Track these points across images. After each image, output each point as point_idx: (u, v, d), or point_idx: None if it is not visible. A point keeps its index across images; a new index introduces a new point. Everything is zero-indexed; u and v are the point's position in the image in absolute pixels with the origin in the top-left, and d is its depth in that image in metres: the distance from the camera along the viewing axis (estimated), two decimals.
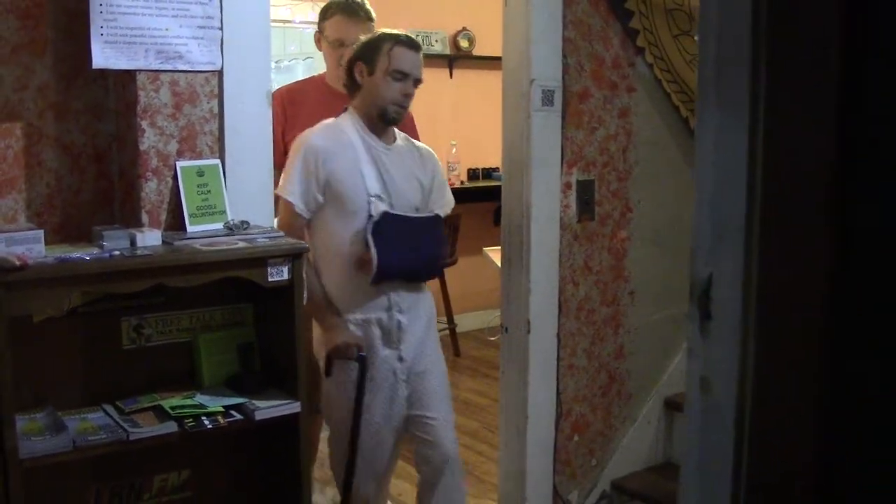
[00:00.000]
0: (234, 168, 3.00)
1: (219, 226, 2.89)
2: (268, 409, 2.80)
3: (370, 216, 3.25)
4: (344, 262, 3.30)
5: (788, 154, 0.60)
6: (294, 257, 2.79)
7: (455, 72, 7.67)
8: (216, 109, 2.98)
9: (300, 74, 7.02)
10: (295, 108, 3.94)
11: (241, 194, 2.99)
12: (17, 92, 2.79)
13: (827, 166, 0.58)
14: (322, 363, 3.29)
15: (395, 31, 3.40)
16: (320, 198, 3.28)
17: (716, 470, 0.67)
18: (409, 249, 3.35)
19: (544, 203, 3.69)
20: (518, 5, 3.63)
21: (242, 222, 2.89)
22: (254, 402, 2.82)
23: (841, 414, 0.62)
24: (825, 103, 0.58)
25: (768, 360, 0.61)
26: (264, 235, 2.85)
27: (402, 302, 3.37)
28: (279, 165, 3.53)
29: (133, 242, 2.65)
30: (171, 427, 2.67)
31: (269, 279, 2.74)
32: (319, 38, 4.07)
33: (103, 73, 2.87)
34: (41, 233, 2.55)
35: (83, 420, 2.67)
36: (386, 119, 3.36)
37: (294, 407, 2.83)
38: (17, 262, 2.36)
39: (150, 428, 2.66)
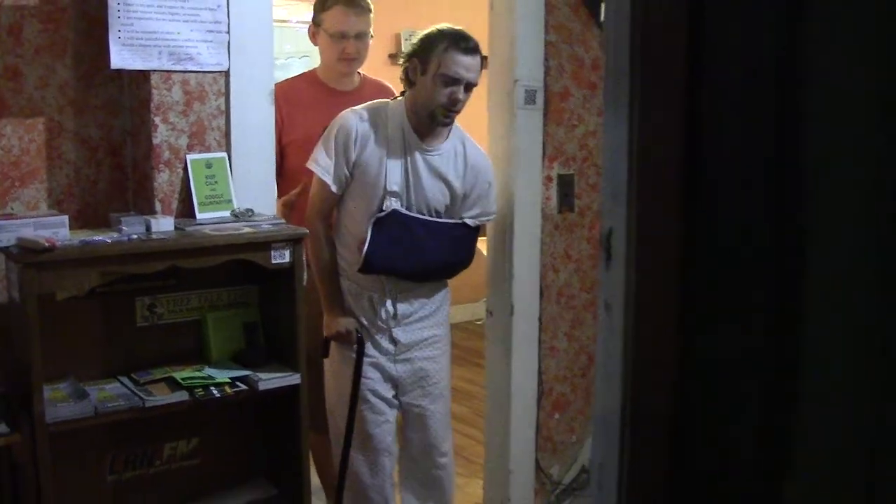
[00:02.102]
0: (240, 160, 3.23)
1: (226, 213, 3.12)
2: (270, 380, 3.06)
3: (381, 210, 3.29)
4: (352, 241, 3.37)
5: (652, 141, 0.86)
6: (295, 242, 3.04)
7: None
8: (223, 107, 3.22)
9: (296, 72, 7.24)
10: (290, 108, 3.93)
11: (246, 184, 3.23)
12: (40, 90, 3.03)
13: (678, 150, 0.84)
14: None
15: (453, 29, 3.35)
16: (350, 175, 3.32)
17: (613, 371, 0.93)
18: (410, 250, 3.36)
19: (527, 195, 3.91)
20: (503, 10, 3.87)
21: (247, 210, 3.13)
22: (258, 374, 3.07)
23: (693, 322, 0.88)
24: (676, 105, 0.85)
25: (642, 287, 0.88)
26: (268, 222, 3.10)
27: (396, 289, 3.42)
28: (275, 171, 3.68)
29: (148, 228, 2.90)
30: (183, 396, 2.93)
31: (273, 262, 2.99)
32: (315, 31, 4.00)
33: (119, 72, 3.10)
34: (66, 218, 2.80)
35: (102, 390, 2.93)
36: (434, 121, 3.33)
37: (295, 378, 3.09)
38: (46, 244, 2.61)
39: (163, 397, 2.91)
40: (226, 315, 3.25)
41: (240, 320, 3.26)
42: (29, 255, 2.61)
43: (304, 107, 3.93)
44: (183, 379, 2.98)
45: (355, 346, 3.38)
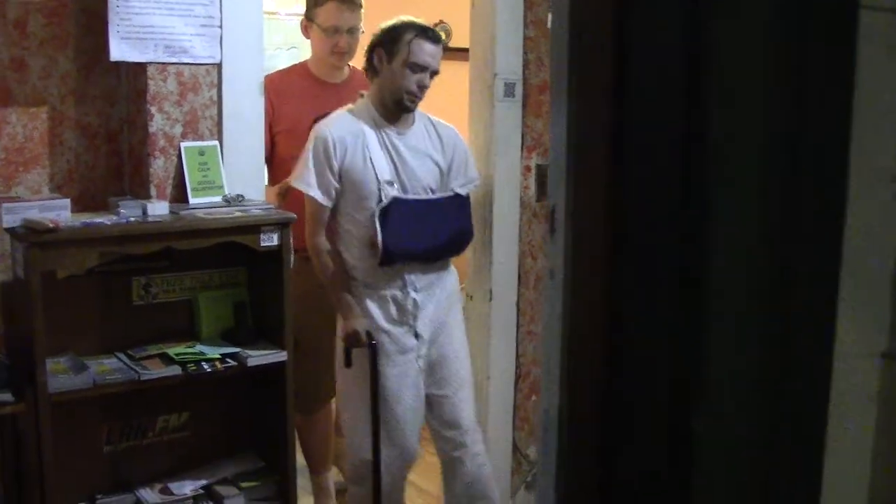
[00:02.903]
0: (231, 148, 3.40)
1: (217, 198, 3.29)
2: (258, 356, 3.24)
3: (381, 201, 3.33)
4: (360, 244, 3.38)
5: (585, 128, 1.04)
6: (283, 226, 3.21)
7: None
8: (216, 97, 3.38)
9: (284, 64, 7.38)
10: (280, 99, 3.99)
11: (236, 171, 3.40)
12: (43, 80, 3.20)
13: (606, 141, 1.03)
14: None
15: (417, 21, 3.45)
16: (338, 185, 3.34)
17: (553, 326, 1.11)
18: (421, 232, 3.40)
19: (506, 184, 4.07)
20: (484, 6, 4.04)
21: (238, 196, 3.30)
22: (246, 351, 3.25)
23: (620, 283, 1.06)
24: (605, 99, 1.03)
25: (575, 254, 1.06)
26: (257, 207, 3.28)
27: (417, 281, 3.44)
28: (266, 158, 3.78)
29: (145, 211, 3.07)
30: (176, 370, 3.11)
31: (262, 244, 3.17)
32: (307, 25, 4.07)
33: (117, 64, 3.26)
34: (68, 201, 2.97)
35: (100, 364, 3.10)
36: (401, 107, 3.40)
37: (281, 356, 3.27)
38: (50, 225, 2.78)
39: (157, 371, 3.09)
40: (217, 295, 3.42)
41: (230, 300, 3.43)
42: (34, 235, 2.78)
43: (293, 97, 4.01)
44: (176, 354, 3.15)
45: (368, 348, 3.36)
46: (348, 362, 3.36)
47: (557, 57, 1.11)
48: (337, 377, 3.60)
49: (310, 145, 3.37)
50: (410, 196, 3.40)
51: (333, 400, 4.15)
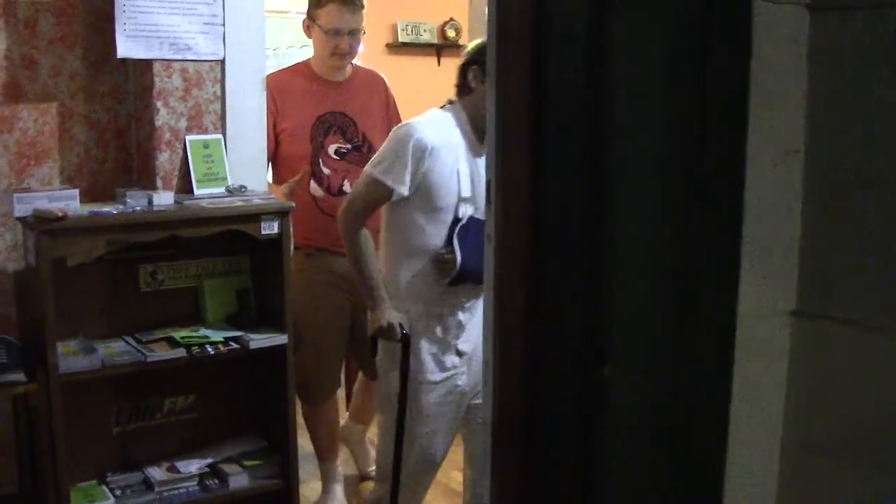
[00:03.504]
0: (234, 142, 3.55)
1: (221, 189, 3.43)
2: (261, 339, 3.39)
3: (458, 219, 3.23)
4: (423, 257, 3.27)
5: (509, 116, 1.18)
6: (282, 215, 3.35)
7: (442, 60, 7.94)
8: (219, 93, 3.53)
9: (294, 62, 7.50)
10: (283, 97, 4.00)
11: (239, 164, 3.54)
12: (53, 77, 3.35)
13: (525, 121, 1.17)
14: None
15: None
16: (413, 189, 3.21)
17: (489, 282, 1.25)
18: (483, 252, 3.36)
19: None
20: (480, 5, 4.18)
21: (241, 186, 3.44)
22: (249, 334, 3.40)
23: (540, 241, 1.20)
24: (524, 88, 1.17)
25: (505, 220, 1.19)
26: (259, 197, 3.42)
27: (467, 301, 3.34)
28: (269, 155, 3.88)
29: (151, 201, 3.21)
30: (181, 353, 3.25)
31: (262, 232, 3.31)
32: (309, 25, 4.06)
33: (124, 61, 3.41)
34: (76, 191, 3.12)
35: (108, 347, 3.25)
36: None
37: (282, 339, 3.41)
38: (59, 214, 2.93)
39: (163, 353, 3.23)
40: (220, 282, 3.56)
41: (233, 287, 3.58)
42: (44, 224, 2.93)
43: (296, 96, 4.05)
44: (181, 338, 3.30)
45: (400, 343, 3.27)
46: (374, 352, 3.35)
47: (490, 57, 1.24)
48: (378, 372, 3.52)
49: (403, 142, 3.21)
50: (480, 216, 3.23)
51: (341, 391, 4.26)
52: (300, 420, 4.05)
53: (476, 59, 3.20)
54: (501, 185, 1.21)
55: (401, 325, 3.23)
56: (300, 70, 4.21)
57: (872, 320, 1.05)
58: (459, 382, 3.38)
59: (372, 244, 3.35)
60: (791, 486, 1.15)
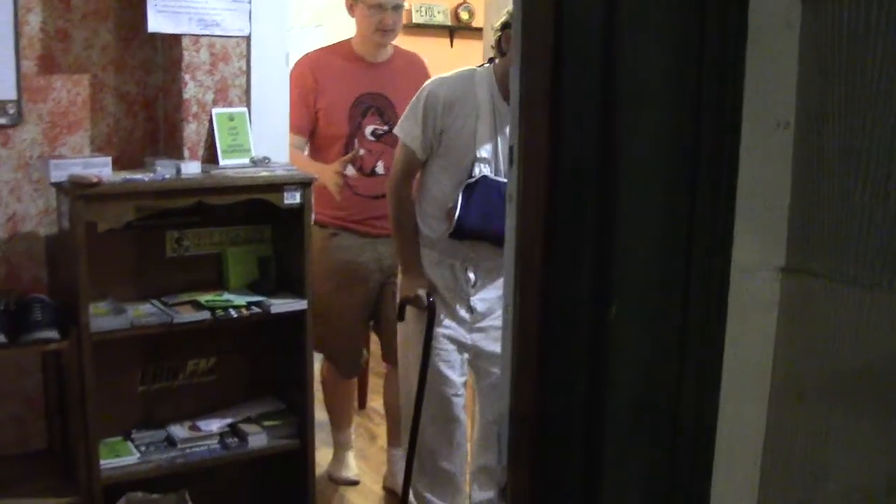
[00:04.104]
0: (258, 114, 3.68)
1: (245, 160, 3.57)
2: (281, 305, 3.53)
3: (471, 176, 3.38)
4: (439, 210, 3.48)
5: (532, 87, 1.32)
6: (304, 185, 3.49)
7: (455, 41, 8.04)
8: (244, 67, 3.66)
9: (311, 41, 7.61)
10: (323, 76, 4.09)
11: (263, 136, 3.67)
12: (86, 50, 3.48)
13: (547, 94, 1.31)
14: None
15: None
16: (435, 144, 3.42)
17: (510, 239, 1.39)
18: (496, 214, 3.24)
19: None
20: None
21: (264, 158, 3.58)
22: (270, 299, 3.54)
23: (554, 201, 1.33)
24: (545, 67, 1.31)
25: (525, 182, 1.34)
26: (282, 168, 3.56)
27: (478, 258, 3.48)
28: (307, 133, 4.01)
29: (179, 170, 3.35)
30: (206, 315, 3.40)
31: (285, 202, 3.44)
32: (353, 4, 4.10)
33: (153, 36, 3.54)
34: (109, 159, 3.26)
35: (136, 309, 3.39)
36: None
37: (302, 304, 3.56)
38: (94, 180, 3.07)
39: (189, 315, 3.38)
40: (243, 249, 3.71)
41: (255, 254, 3.72)
42: (79, 189, 3.07)
43: (335, 76, 4.11)
44: (206, 301, 3.45)
45: (426, 310, 3.47)
46: (401, 316, 3.53)
47: (515, 34, 1.39)
48: (398, 335, 3.75)
49: (418, 98, 3.42)
50: (500, 178, 3.38)
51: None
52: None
53: (510, 23, 3.25)
54: (524, 149, 1.34)
55: (428, 294, 3.45)
56: (340, 50, 4.25)
57: (848, 273, 1.18)
58: (468, 342, 3.58)
59: (414, 213, 3.53)
60: (777, 428, 1.28)
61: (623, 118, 1.29)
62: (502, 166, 3.40)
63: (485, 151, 3.38)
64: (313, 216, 3.80)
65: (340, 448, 4.57)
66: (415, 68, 4.32)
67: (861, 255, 1.18)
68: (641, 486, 1.23)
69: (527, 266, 1.33)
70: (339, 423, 4.54)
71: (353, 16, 4.18)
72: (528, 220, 1.36)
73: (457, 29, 8.07)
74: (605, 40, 1.29)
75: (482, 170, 3.38)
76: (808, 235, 1.26)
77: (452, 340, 3.58)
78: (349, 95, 4.07)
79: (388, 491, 4.44)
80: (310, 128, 4.05)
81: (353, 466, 4.56)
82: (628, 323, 1.29)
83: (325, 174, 3.90)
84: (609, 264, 1.30)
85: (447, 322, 3.55)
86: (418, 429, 3.58)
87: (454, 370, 3.60)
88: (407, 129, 3.44)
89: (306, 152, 4.17)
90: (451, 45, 7.97)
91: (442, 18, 7.92)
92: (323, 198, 4.06)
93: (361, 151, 4.08)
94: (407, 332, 3.64)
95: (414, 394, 3.58)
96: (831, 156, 1.21)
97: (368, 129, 4.12)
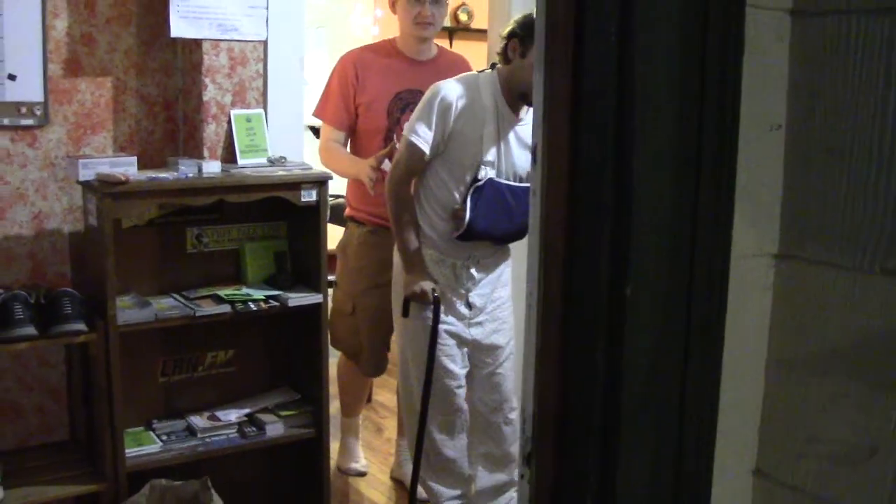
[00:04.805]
0: (275, 116, 3.83)
1: (262, 160, 3.71)
2: (298, 298, 3.67)
3: (477, 179, 3.44)
4: (442, 210, 3.54)
5: (553, 96, 1.47)
6: (321, 184, 3.63)
7: (455, 42, 8.23)
8: (262, 70, 3.80)
9: (313, 42, 7.73)
10: (364, 72, 4.08)
11: (279, 136, 3.82)
12: (109, 54, 3.62)
13: (567, 98, 1.45)
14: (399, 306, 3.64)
15: None
16: (442, 145, 3.46)
17: (534, 230, 1.54)
18: (502, 215, 3.48)
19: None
20: None
21: (281, 157, 3.72)
22: (287, 294, 3.68)
23: (573, 193, 1.47)
24: (566, 71, 1.45)
25: (549, 177, 1.48)
26: (298, 167, 3.70)
27: (481, 257, 3.60)
28: (346, 127, 4.03)
29: (200, 169, 3.48)
30: (226, 308, 3.54)
31: (301, 200, 3.58)
32: (395, 0, 4.12)
33: (174, 40, 3.68)
34: (135, 158, 3.40)
35: (159, 303, 3.53)
36: (525, 100, 3.43)
37: (317, 298, 3.70)
38: (122, 178, 3.21)
39: (210, 308, 3.52)
40: (260, 245, 3.86)
41: (272, 250, 3.86)
42: (107, 187, 3.21)
43: (377, 71, 4.10)
44: (226, 295, 3.59)
45: (431, 306, 3.50)
46: (406, 312, 3.57)
47: (538, 44, 1.52)
48: (395, 327, 3.80)
49: (433, 99, 3.44)
50: (503, 180, 3.49)
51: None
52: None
53: (516, 33, 3.41)
54: (546, 147, 1.48)
55: (433, 290, 3.50)
56: (384, 47, 4.28)
57: (834, 259, 1.33)
58: (467, 337, 3.65)
59: (415, 211, 3.59)
60: (773, 395, 1.43)
61: (635, 120, 1.42)
62: (504, 169, 3.51)
63: (490, 155, 3.47)
64: (347, 211, 3.88)
65: (348, 433, 4.67)
66: (458, 69, 4.24)
67: (845, 243, 1.33)
68: (652, 443, 1.37)
69: (550, 255, 1.47)
70: (350, 408, 4.61)
71: (394, 13, 4.19)
72: (551, 213, 1.49)
73: (456, 30, 8.15)
74: (619, 49, 1.42)
75: (488, 173, 3.46)
76: (799, 225, 1.41)
77: (453, 335, 3.65)
78: (389, 91, 4.07)
79: (396, 481, 4.56)
80: (348, 122, 4.07)
81: (361, 458, 4.68)
82: (642, 301, 1.42)
83: (360, 168, 3.91)
84: (625, 251, 1.43)
85: (448, 318, 3.61)
86: (426, 422, 3.63)
87: (456, 364, 3.67)
88: (418, 129, 3.46)
89: (347, 147, 4.19)
90: (451, 46, 8.08)
91: None
92: (361, 194, 4.10)
93: (398, 146, 4.13)
94: (408, 327, 3.67)
95: (414, 387, 3.68)
96: (818, 155, 1.36)
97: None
